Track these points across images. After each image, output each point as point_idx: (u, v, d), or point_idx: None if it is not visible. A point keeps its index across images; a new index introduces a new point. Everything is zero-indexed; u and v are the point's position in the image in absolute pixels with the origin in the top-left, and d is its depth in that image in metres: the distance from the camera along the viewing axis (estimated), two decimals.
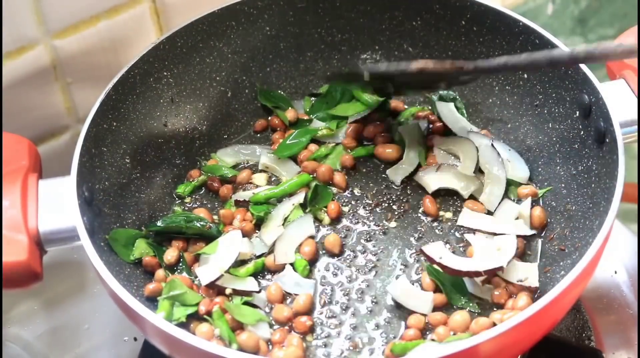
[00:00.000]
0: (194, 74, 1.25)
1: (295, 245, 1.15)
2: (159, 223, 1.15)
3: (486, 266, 1.07)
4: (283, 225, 1.17)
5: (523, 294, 1.07)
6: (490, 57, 1.21)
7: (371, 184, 1.22)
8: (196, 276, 1.12)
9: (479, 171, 1.21)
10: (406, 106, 1.30)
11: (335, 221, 1.19)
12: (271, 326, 1.08)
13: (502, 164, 1.20)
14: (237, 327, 1.07)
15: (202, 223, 1.16)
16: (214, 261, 1.12)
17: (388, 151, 1.24)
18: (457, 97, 1.28)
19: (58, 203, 1.04)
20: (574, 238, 1.09)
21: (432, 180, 1.20)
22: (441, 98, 1.29)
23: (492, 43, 1.22)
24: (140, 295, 1.09)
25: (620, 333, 1.18)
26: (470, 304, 1.08)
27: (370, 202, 1.20)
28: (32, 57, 1.24)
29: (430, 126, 1.26)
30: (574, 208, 1.12)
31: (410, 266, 1.13)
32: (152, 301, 1.09)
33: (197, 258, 1.15)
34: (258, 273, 1.13)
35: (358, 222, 1.18)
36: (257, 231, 1.17)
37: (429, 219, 1.18)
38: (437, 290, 1.10)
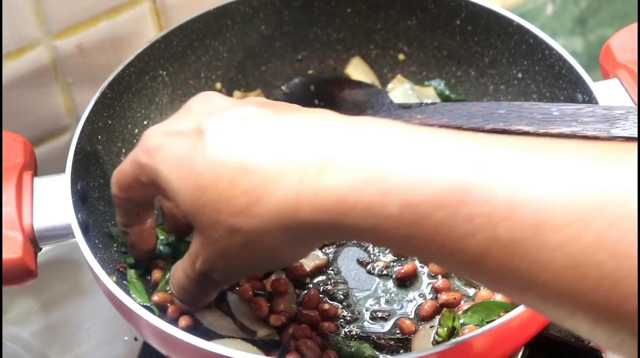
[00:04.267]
0: (189, 73, 1.26)
1: None
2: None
3: None
4: None
5: None
6: (485, 57, 1.23)
7: None
8: None
9: None
10: None
11: None
12: None
13: None
14: None
15: None
16: None
17: None
18: (452, 96, 1.28)
19: (53, 201, 1.04)
20: None
21: None
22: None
23: (487, 42, 1.23)
24: None
25: None
26: None
27: None
28: (33, 58, 1.25)
29: None
30: None
31: None
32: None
33: None
34: None
35: None
36: None
37: None
38: None
